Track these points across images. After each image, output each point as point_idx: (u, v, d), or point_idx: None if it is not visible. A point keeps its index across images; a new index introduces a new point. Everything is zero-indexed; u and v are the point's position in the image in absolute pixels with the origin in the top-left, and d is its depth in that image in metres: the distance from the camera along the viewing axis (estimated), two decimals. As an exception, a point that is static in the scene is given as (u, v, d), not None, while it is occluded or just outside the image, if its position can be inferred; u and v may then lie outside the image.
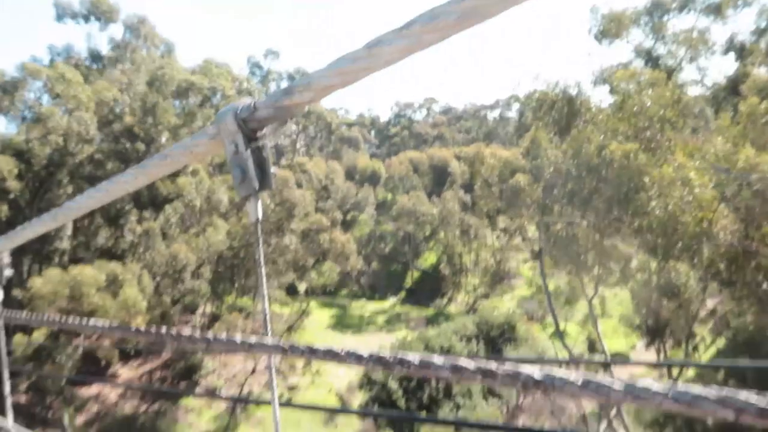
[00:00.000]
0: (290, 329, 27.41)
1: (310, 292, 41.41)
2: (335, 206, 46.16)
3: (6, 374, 2.22)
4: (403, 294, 50.09)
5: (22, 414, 22.67)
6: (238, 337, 1.15)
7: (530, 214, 23.03)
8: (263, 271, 1.37)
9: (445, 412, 25.71)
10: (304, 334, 31.43)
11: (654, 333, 20.57)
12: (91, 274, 21.06)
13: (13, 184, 22.52)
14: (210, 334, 1.21)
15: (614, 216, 16.58)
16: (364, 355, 0.94)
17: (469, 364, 0.81)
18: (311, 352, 1.03)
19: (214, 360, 27.74)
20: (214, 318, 29.13)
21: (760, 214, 13.69)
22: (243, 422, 24.67)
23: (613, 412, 20.31)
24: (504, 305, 42.38)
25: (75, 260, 24.31)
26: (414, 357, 0.89)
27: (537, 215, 21.90)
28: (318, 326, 37.02)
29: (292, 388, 27.51)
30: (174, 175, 27.66)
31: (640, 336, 24.07)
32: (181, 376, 26.37)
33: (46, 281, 20.09)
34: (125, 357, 26.23)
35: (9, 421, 2.16)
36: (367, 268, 50.81)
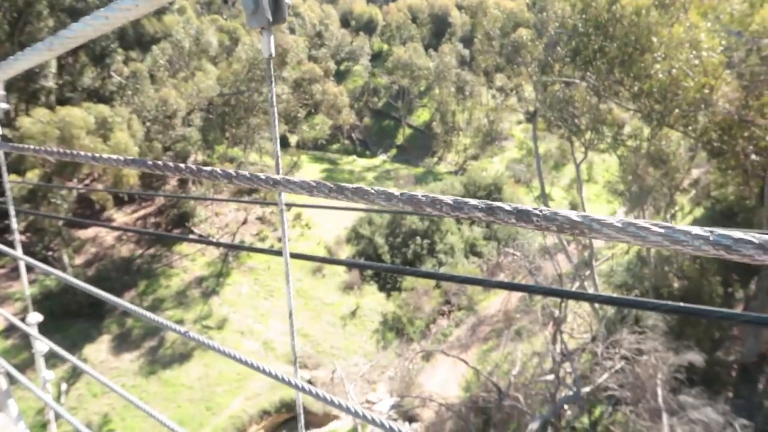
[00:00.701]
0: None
1: (302, 146, 41.35)
2: (329, 55, 44.43)
3: (12, 210, 2.24)
4: (393, 151, 50.16)
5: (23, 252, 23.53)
6: (246, 173, 1.14)
7: (529, 72, 22.44)
8: (275, 111, 1.34)
9: (428, 267, 27.10)
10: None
11: (636, 200, 21.07)
12: (79, 115, 20.69)
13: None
14: (219, 168, 1.19)
15: (615, 79, 16.21)
16: (396, 194, 0.92)
17: (504, 206, 0.80)
18: (338, 191, 1.02)
19: (206, 209, 28.32)
20: (204, 165, 29.18)
21: (763, 82, 13.46)
22: (235, 269, 25.80)
23: (587, 272, 21.44)
24: (493, 167, 42.84)
25: (62, 101, 23.72)
26: (448, 198, 0.87)
27: (536, 74, 21.34)
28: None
29: (281, 239, 28.47)
30: (159, 12, 26.20)
31: (623, 203, 24.70)
32: (175, 224, 27.05)
33: (34, 121, 19.76)
34: (119, 202, 26.64)
35: (18, 251, 2.22)
36: (358, 123, 50.33)
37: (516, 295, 24.45)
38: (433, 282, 26.59)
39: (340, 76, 40.72)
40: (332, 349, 22.67)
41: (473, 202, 0.84)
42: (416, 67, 47.50)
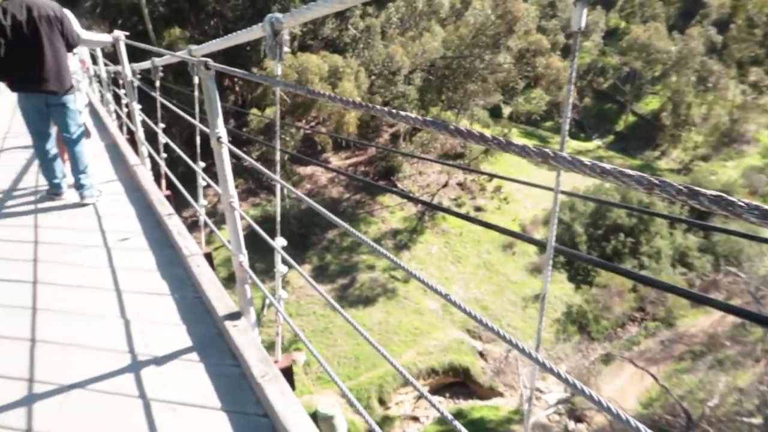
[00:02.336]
0: (486, 152, 27.27)
1: (514, 118, 40.34)
2: (559, 27, 42.20)
3: (278, 144, 2.39)
4: (610, 138, 46.47)
5: (252, 177, 26.62)
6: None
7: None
8: (571, 88, 1.11)
9: (627, 268, 24.90)
10: (497, 162, 31.23)
11: None
12: (316, 62, 22.42)
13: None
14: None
15: None
16: (632, 174, 0.77)
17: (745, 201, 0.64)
18: (571, 162, 0.78)
19: (411, 166, 29.22)
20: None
21: None
22: (428, 229, 26.37)
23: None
24: (725, 172, 37.68)
25: (303, 47, 25.91)
26: (678, 185, 0.70)
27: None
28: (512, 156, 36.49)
29: (478, 209, 28.33)
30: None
31: None
32: (381, 175, 28.38)
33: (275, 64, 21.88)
34: (337, 147, 28.67)
35: (278, 176, 2.34)
36: (578, 102, 47.53)
37: (728, 321, 21.57)
38: (629, 284, 24.53)
39: (567, 51, 38.40)
40: (509, 327, 22.23)
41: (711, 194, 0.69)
42: (654, 50, 43.01)
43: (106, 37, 5.29)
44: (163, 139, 4.86)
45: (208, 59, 2.46)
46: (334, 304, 2.03)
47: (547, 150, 0.90)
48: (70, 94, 4.45)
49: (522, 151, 0.95)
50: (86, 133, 5.61)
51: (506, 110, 39.79)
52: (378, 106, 1.38)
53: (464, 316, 21.44)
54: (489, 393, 19.82)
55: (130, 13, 26.44)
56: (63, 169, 4.79)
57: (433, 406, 1.52)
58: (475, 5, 28.14)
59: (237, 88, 27.62)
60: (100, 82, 9.64)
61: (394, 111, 1.28)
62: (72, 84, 4.51)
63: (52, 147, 4.61)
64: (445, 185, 28.78)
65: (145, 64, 5.21)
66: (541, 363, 1.10)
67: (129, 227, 4.15)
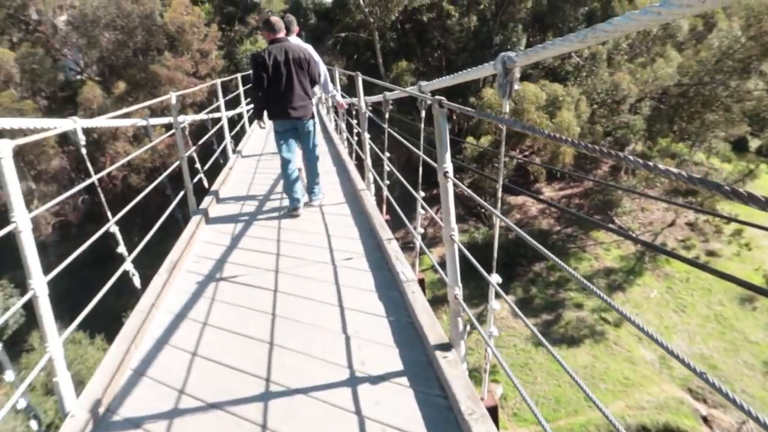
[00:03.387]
0: (726, 189, 23.84)
1: (765, 153, 35.01)
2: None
3: (500, 178, 2.36)
4: None
5: (461, 204, 27.01)
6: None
7: None
8: None
9: None
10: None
11: None
12: (533, 91, 22.06)
13: (483, -4, 24.37)
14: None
15: None
16: None
17: None
18: None
19: (632, 202, 26.99)
20: (642, 158, 27.61)
21: None
22: (648, 271, 23.97)
23: None
24: None
25: (523, 77, 25.72)
26: None
27: None
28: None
29: (711, 254, 24.97)
30: (633, -3, 25.43)
31: None
32: (597, 209, 26.68)
33: (495, 92, 22.01)
34: (551, 178, 27.72)
35: (498, 210, 2.35)
36: None
37: None
38: None
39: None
40: (744, 394, 19.02)
41: None
42: None
43: (339, 98, 7.20)
44: (387, 167, 5.27)
45: (443, 98, 2.58)
46: (547, 346, 1.97)
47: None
48: (312, 120, 5.58)
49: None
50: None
51: (754, 143, 34.71)
52: (604, 148, 1.36)
53: (686, 373, 19.04)
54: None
55: (365, 48, 28.97)
56: (302, 189, 5.83)
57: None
58: (721, 26, 25.20)
59: (454, 117, 28.43)
60: (336, 112, 10.87)
61: (632, 158, 1.16)
62: (314, 112, 5.62)
63: (294, 170, 5.60)
64: (672, 224, 25.99)
65: (377, 98, 5.68)
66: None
67: (353, 248, 4.57)
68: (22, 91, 24.31)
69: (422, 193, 4.02)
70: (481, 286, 22.06)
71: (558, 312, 21.89)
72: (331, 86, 6.70)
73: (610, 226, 25.43)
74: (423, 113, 3.48)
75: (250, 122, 12.48)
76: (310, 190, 5.92)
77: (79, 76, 29.29)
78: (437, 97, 2.59)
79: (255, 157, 9.23)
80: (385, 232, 4.60)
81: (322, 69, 5.95)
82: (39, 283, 2.46)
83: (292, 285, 3.95)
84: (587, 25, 25.73)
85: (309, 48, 5.68)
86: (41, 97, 25.75)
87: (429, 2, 23.97)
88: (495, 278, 2.47)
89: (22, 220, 2.40)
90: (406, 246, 18.77)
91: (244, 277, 4.14)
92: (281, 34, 5.37)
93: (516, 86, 2.09)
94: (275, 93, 5.28)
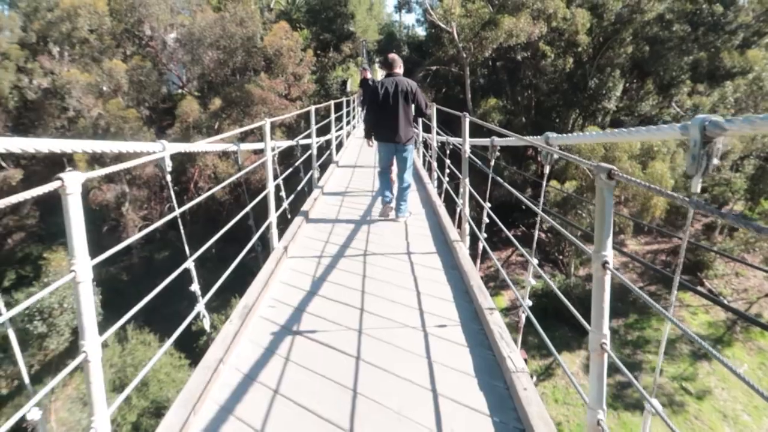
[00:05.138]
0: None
1: None
2: None
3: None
4: None
5: (539, 248, 26.08)
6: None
7: None
8: None
9: None
10: None
11: None
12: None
13: (582, 38, 23.65)
14: None
15: None
16: None
17: None
18: None
19: (726, 265, 25.09)
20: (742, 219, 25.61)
21: None
22: (738, 342, 22.05)
23: None
24: None
25: (616, 123, 24.74)
26: None
27: None
28: None
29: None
30: (743, 45, 24.03)
31: None
32: (686, 269, 25.01)
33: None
34: (638, 230, 26.31)
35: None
36: None
37: None
38: None
39: None
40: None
41: None
42: None
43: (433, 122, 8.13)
44: (487, 218, 4.77)
45: (613, 167, 2.05)
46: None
47: None
48: (410, 144, 6.53)
49: None
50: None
51: None
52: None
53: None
54: None
55: (455, 82, 28.93)
56: (393, 191, 6.84)
57: None
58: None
59: (539, 158, 27.70)
60: (427, 147, 10.63)
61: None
62: (413, 137, 6.58)
63: (387, 177, 6.77)
64: (771, 294, 23.88)
65: (482, 141, 5.38)
66: None
67: (447, 312, 4.01)
68: (128, 100, 25.95)
69: (535, 260, 3.46)
70: (555, 337, 21.06)
71: (635, 374, 20.44)
72: (429, 111, 7.46)
73: (699, 289, 23.68)
74: (548, 169, 3.14)
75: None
76: (397, 207, 6.70)
77: (180, 90, 31.03)
78: (603, 164, 2.05)
79: (339, 195, 8.62)
80: (485, 299, 3.99)
81: (422, 99, 6.59)
82: (92, 345, 2.08)
83: (377, 353, 3.42)
84: (692, 75, 24.51)
85: (413, 83, 6.47)
86: (144, 107, 27.38)
87: (525, 41, 23.58)
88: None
89: (82, 269, 2.04)
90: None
91: (323, 335, 3.68)
92: (395, 70, 6.41)
93: (715, 161, 1.68)
94: (383, 118, 6.35)
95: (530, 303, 2.39)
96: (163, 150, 3.16)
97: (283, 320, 3.92)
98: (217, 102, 25.27)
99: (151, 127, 26.20)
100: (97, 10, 26.42)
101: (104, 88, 25.52)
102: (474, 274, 4.51)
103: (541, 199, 3.81)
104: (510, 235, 4.01)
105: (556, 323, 20.98)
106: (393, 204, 6.74)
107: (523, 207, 25.87)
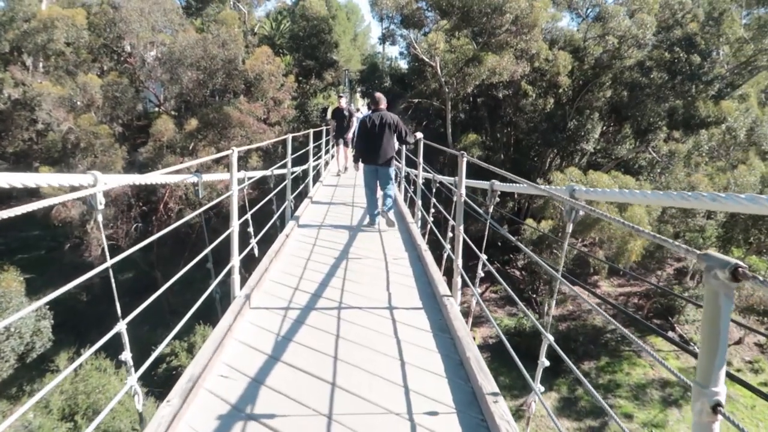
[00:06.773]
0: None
1: None
2: None
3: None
4: None
5: (513, 286, 25.88)
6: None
7: None
8: None
9: None
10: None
11: None
12: (605, 182, 21.17)
13: (563, 80, 23.96)
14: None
15: None
16: None
17: None
18: None
19: (698, 311, 25.17)
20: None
21: None
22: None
23: None
24: None
25: (593, 165, 24.93)
26: None
27: None
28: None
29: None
30: (718, 97, 24.55)
31: None
32: (657, 314, 25.04)
33: (565, 177, 21.24)
34: (612, 272, 26.35)
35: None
36: None
37: None
38: None
39: None
40: None
41: None
42: None
43: (419, 134, 8.47)
44: (482, 271, 4.25)
45: (740, 262, 1.32)
46: None
47: None
48: (391, 167, 7.82)
49: None
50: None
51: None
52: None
53: None
54: None
55: (436, 116, 28.95)
56: (378, 208, 8.12)
57: None
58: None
59: (516, 195, 27.74)
60: (408, 182, 10.38)
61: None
62: (392, 163, 7.84)
63: (373, 195, 8.07)
64: (739, 342, 23.97)
65: (479, 184, 4.78)
66: None
67: (437, 393, 3.36)
68: (102, 116, 25.27)
69: (550, 337, 3.12)
70: (522, 377, 20.65)
71: (604, 420, 20.11)
72: (410, 139, 8.12)
73: (670, 335, 23.64)
74: (570, 227, 2.73)
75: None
76: (382, 213, 8.09)
77: (156, 109, 30.45)
78: (720, 256, 1.37)
79: (315, 227, 8.12)
80: (485, 379, 3.36)
81: (403, 129, 7.72)
82: None
83: None
84: (668, 122, 24.90)
85: (396, 116, 7.73)
86: (118, 123, 26.70)
87: (507, 80, 23.74)
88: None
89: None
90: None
91: (283, 421, 3.00)
92: (380, 106, 7.77)
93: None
94: (371, 144, 7.65)
95: (542, 388, 1.99)
96: (94, 184, 2.52)
97: (236, 397, 3.23)
98: (193, 122, 24.76)
99: (123, 144, 25.50)
100: (76, 23, 25.88)
101: (77, 102, 24.84)
102: (469, 341, 3.87)
103: (561, 265, 3.40)
104: (501, 280, 3.62)
105: (526, 362, 20.59)
106: (377, 219, 8.10)
107: (499, 243, 25.80)
